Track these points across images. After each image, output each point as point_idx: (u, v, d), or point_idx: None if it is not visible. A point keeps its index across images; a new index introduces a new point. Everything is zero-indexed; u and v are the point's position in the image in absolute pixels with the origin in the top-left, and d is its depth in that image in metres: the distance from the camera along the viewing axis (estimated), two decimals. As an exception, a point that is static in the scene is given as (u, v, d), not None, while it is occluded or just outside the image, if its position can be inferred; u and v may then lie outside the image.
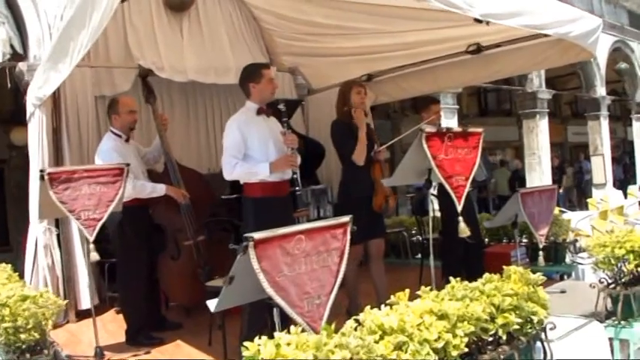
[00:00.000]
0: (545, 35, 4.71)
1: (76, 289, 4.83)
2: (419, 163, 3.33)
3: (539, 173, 11.23)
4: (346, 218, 2.57)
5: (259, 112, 3.77)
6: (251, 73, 3.77)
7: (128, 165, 3.83)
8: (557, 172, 14.28)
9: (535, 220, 4.41)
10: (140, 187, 4.24)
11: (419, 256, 6.03)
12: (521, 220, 4.43)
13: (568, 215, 9.38)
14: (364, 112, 4.39)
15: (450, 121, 9.57)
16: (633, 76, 14.32)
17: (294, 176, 3.67)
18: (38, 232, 4.63)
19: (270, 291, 2.24)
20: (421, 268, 5.47)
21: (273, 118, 3.82)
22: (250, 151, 3.69)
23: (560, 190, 13.91)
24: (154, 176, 4.58)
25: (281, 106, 3.73)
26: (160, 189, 4.35)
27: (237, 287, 2.32)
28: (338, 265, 2.51)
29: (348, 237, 2.52)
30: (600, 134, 12.97)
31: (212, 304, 2.45)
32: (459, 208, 3.35)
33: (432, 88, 6.39)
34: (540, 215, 4.46)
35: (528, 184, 11.47)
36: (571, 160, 17.93)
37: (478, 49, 5.37)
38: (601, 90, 13.02)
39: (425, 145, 3.25)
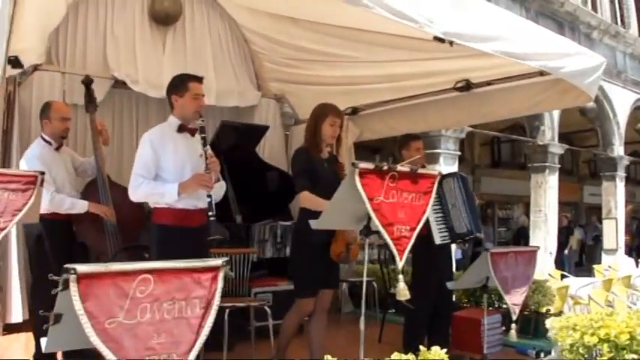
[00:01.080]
0: (542, 74, 4.22)
1: (7, 300, 4.53)
2: (354, 204, 2.75)
3: (544, 232, 10.48)
4: (217, 262, 2.01)
5: (181, 129, 3.29)
6: (176, 84, 3.35)
7: (43, 174, 3.36)
8: (564, 233, 13.46)
9: (508, 285, 3.78)
10: (58, 201, 3.79)
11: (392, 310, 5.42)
12: (493, 284, 3.84)
13: (568, 281, 8.63)
14: (336, 139, 3.77)
15: (449, 168, 8.93)
16: (657, 137, 13.58)
17: (209, 199, 3.16)
18: (-26, 236, 4.29)
19: (94, 340, 1.78)
20: (382, 323, 4.85)
21: (200, 138, 3.30)
22: (163, 172, 3.23)
23: (566, 252, 13.10)
24: (83, 190, 4.11)
25: (199, 122, 3.24)
26: (80, 206, 3.91)
27: (68, 328, 1.88)
28: (200, 319, 1.98)
29: (219, 285, 2.04)
30: (615, 196, 12.18)
31: (44, 343, 1.96)
32: (400, 264, 2.77)
33: (420, 127, 5.85)
34: (515, 281, 3.83)
35: (532, 243, 10.72)
36: (586, 222, 17.03)
37: (467, 85, 4.85)
38: (619, 149, 12.28)
39: (358, 184, 2.68)
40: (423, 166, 4.37)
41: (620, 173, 12.31)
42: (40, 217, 3.42)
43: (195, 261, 2.02)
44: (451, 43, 3.21)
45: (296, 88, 6.65)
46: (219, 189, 3.35)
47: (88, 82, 4.57)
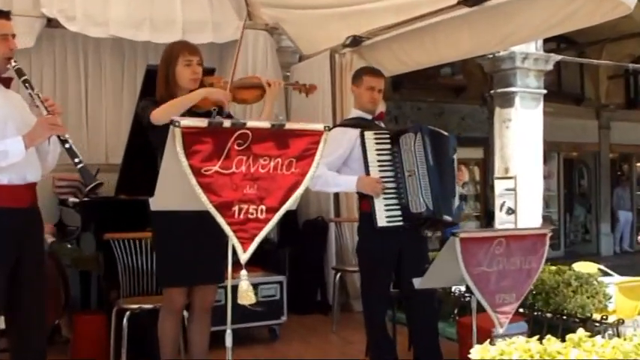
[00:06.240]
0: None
1: None
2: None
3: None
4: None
5: None
6: None
7: None
8: None
9: (489, 286, 3.31)
10: None
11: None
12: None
13: None
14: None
15: (529, 113, 8.22)
16: None
17: (66, 146, 3.06)
18: None
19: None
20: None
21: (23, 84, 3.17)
22: None
23: None
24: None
25: (12, 66, 3.12)
26: None
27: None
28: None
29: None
30: None
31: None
32: (244, 257, 2.53)
33: (433, 58, 5.52)
34: (503, 279, 3.34)
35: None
36: None
37: (475, -1, 4.40)
38: None
39: (179, 149, 2.35)
40: (380, 117, 3.93)
41: None
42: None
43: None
44: None
45: (290, 15, 6.43)
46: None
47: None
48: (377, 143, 3.70)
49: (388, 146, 3.70)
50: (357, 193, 3.84)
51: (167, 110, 3.17)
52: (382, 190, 3.62)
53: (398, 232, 3.68)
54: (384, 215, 3.63)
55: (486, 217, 11.77)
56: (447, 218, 3.71)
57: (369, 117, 3.91)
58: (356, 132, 3.74)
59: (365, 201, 3.72)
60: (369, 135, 3.69)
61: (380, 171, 3.67)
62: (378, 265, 3.76)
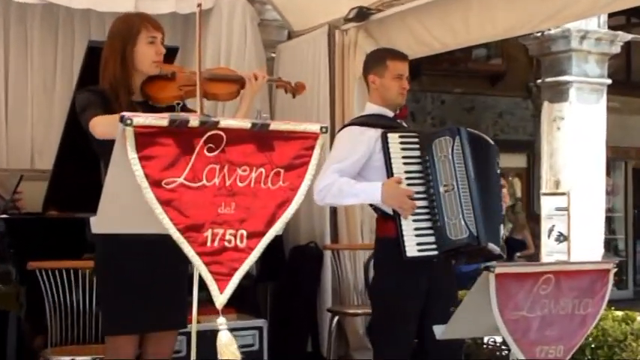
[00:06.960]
0: None
1: None
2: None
3: None
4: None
5: None
6: None
7: None
8: None
9: (530, 336, 3.37)
10: None
11: None
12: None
13: None
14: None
15: (588, 110, 8.29)
16: None
17: None
18: None
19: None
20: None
21: None
22: None
23: None
24: None
25: None
26: None
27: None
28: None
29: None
30: None
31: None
32: (221, 299, 2.50)
33: (463, 37, 5.58)
34: (548, 327, 3.40)
35: None
36: None
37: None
38: None
39: (131, 152, 2.37)
40: (402, 114, 3.96)
41: None
42: None
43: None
44: None
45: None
46: None
47: None
48: (403, 149, 3.75)
49: (417, 153, 3.76)
50: (377, 211, 3.88)
51: (111, 124, 2.93)
52: (413, 208, 3.65)
53: (430, 263, 3.73)
54: (414, 242, 3.66)
55: (507, 249, 11.48)
56: (494, 248, 3.75)
57: (390, 114, 3.96)
58: (376, 133, 3.79)
59: (387, 222, 3.77)
60: (393, 138, 3.74)
61: (408, 184, 3.70)
62: (404, 309, 3.80)
